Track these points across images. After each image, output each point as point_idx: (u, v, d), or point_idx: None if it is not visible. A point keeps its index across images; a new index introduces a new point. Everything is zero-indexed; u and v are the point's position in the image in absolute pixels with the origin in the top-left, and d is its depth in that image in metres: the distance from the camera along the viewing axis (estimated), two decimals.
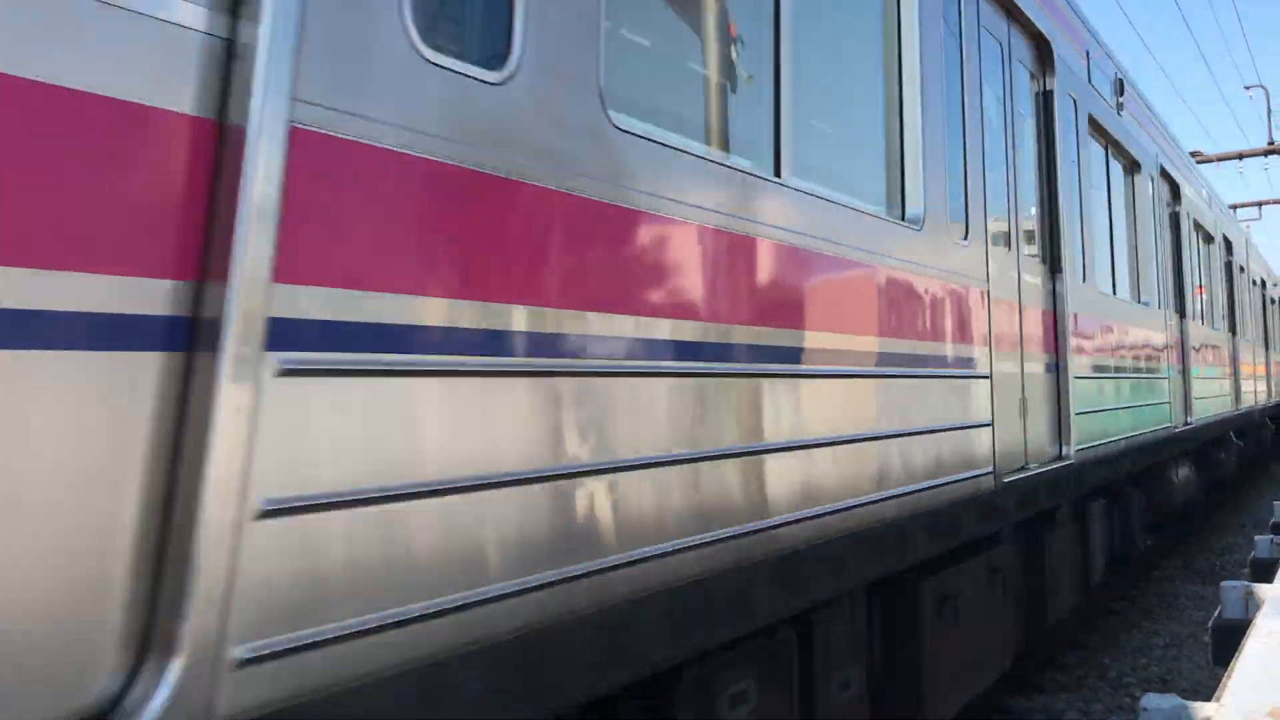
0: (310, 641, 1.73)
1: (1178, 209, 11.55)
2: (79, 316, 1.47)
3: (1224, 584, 4.50)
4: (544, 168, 2.33)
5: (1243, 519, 14.45)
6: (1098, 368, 7.27)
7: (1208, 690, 6.28)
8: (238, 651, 1.60)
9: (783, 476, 3.22)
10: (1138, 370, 8.65)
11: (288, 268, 1.73)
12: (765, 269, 3.21)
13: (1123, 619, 8.61)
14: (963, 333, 4.73)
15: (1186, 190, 11.98)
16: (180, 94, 1.63)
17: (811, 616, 3.56)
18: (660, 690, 2.82)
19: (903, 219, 4.40)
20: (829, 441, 3.49)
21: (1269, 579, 4.88)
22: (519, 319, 2.23)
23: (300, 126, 1.77)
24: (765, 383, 3.15)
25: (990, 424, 4.96)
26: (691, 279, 2.85)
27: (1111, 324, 7.83)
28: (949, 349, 4.55)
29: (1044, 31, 6.55)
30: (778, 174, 3.43)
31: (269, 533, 1.67)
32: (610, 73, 2.64)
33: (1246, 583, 4.49)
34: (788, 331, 3.29)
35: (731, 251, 3.04)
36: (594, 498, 2.44)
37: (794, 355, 3.33)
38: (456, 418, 2.06)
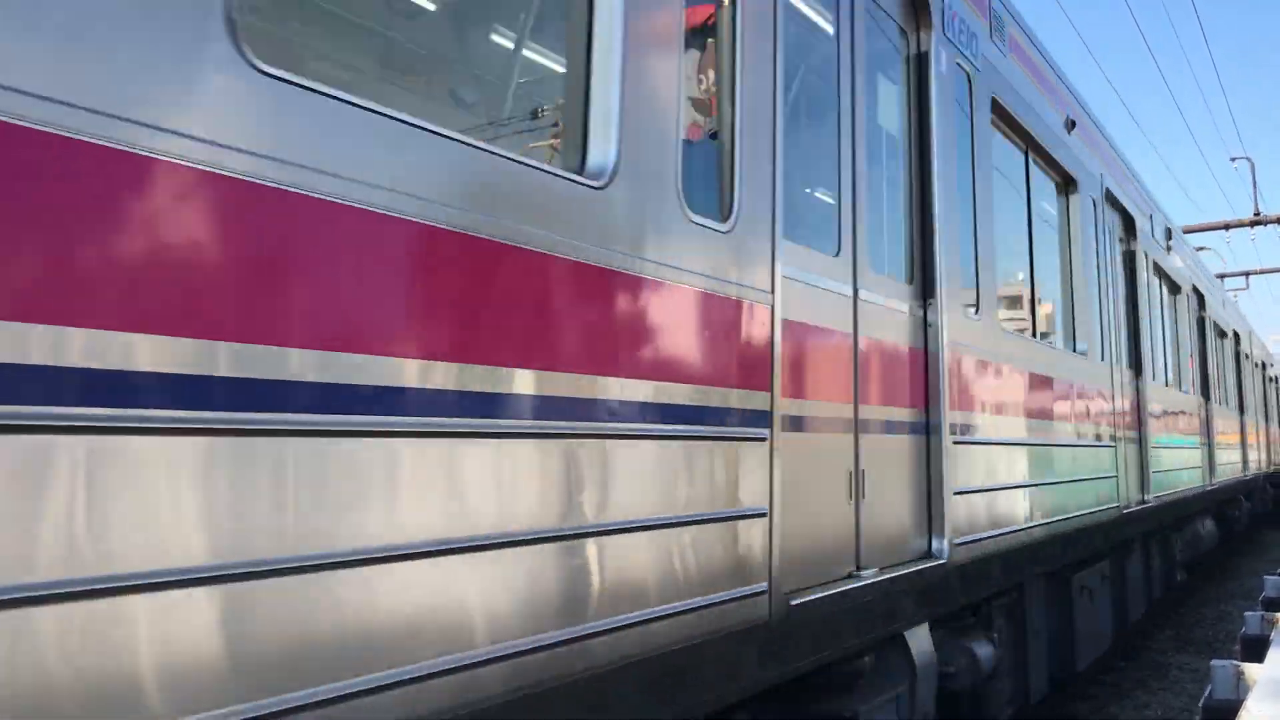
0: (966, 540, 4.89)
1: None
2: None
3: (1215, 663, 4.57)
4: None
5: (1235, 585, 14.48)
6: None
7: None
8: (955, 539, 4.74)
9: (1069, 496, 6.86)
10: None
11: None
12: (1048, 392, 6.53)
13: (1115, 690, 8.62)
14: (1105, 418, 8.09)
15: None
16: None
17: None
18: None
19: (1074, 350, 7.44)
20: (1078, 479, 6.96)
21: (1259, 656, 4.94)
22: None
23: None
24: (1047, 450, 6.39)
25: (1115, 476, 8.20)
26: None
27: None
28: (1108, 429, 8.10)
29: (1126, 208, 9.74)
30: (1032, 331, 6.59)
31: (955, 500, 4.76)
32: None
33: (1237, 662, 4.55)
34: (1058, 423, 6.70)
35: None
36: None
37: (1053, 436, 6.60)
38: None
